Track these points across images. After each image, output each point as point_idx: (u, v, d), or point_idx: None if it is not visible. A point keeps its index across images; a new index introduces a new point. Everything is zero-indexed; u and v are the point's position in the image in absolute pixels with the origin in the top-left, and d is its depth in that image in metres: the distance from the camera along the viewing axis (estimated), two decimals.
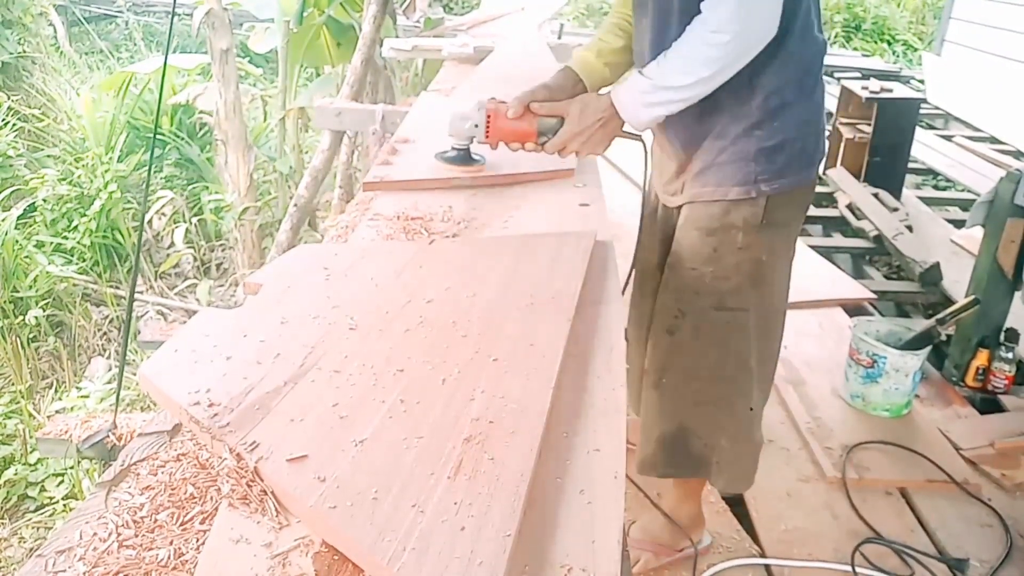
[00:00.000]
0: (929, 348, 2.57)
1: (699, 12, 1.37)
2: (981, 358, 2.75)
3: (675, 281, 1.65)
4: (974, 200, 2.92)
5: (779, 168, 1.51)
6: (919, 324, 2.70)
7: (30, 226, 5.47)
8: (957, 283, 3.27)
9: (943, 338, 2.76)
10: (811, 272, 3.49)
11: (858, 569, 1.97)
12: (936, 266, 3.40)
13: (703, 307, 1.61)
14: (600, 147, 1.56)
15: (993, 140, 5.84)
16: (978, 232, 2.86)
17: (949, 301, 3.18)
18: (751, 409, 1.71)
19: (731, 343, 1.63)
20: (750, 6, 1.34)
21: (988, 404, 2.72)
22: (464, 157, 1.78)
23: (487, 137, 1.58)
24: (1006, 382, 2.74)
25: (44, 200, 5.53)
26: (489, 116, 1.55)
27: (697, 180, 1.56)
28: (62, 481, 3.62)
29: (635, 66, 1.62)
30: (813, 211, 4.41)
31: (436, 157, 1.82)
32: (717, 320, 1.61)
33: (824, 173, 4.68)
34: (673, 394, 1.71)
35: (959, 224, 4.06)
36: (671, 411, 1.72)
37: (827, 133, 1.66)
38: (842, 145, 4.57)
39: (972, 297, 2.69)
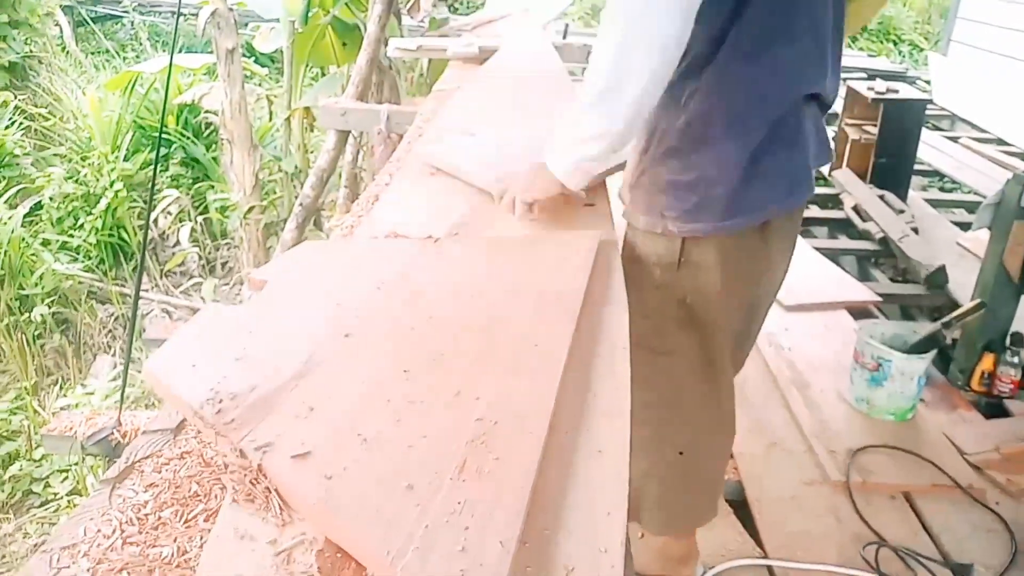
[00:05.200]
0: (934, 352, 2.56)
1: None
2: (987, 362, 2.74)
3: None
4: (980, 202, 2.91)
5: (689, 209, 1.31)
6: (924, 327, 2.69)
7: (36, 224, 5.49)
8: (963, 286, 3.26)
9: (948, 342, 2.75)
10: (816, 274, 3.48)
11: (862, 573, 1.96)
12: (942, 269, 3.39)
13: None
14: (538, 195, 1.47)
15: (1000, 142, 5.83)
16: (984, 235, 2.85)
17: (955, 304, 3.17)
18: (681, 453, 1.56)
19: (657, 386, 1.48)
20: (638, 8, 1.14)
21: (993, 408, 2.71)
22: None
23: None
24: (1012, 386, 2.73)
25: (50, 198, 5.55)
26: None
27: (626, 195, 1.43)
28: (66, 477, 3.63)
29: None
30: (818, 213, 4.40)
31: None
32: (637, 358, 1.41)
33: (830, 174, 4.67)
34: None
35: (965, 226, 4.05)
36: None
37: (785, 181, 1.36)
38: (848, 146, 4.57)
39: (978, 300, 2.68)
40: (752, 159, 1.28)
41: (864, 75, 7.17)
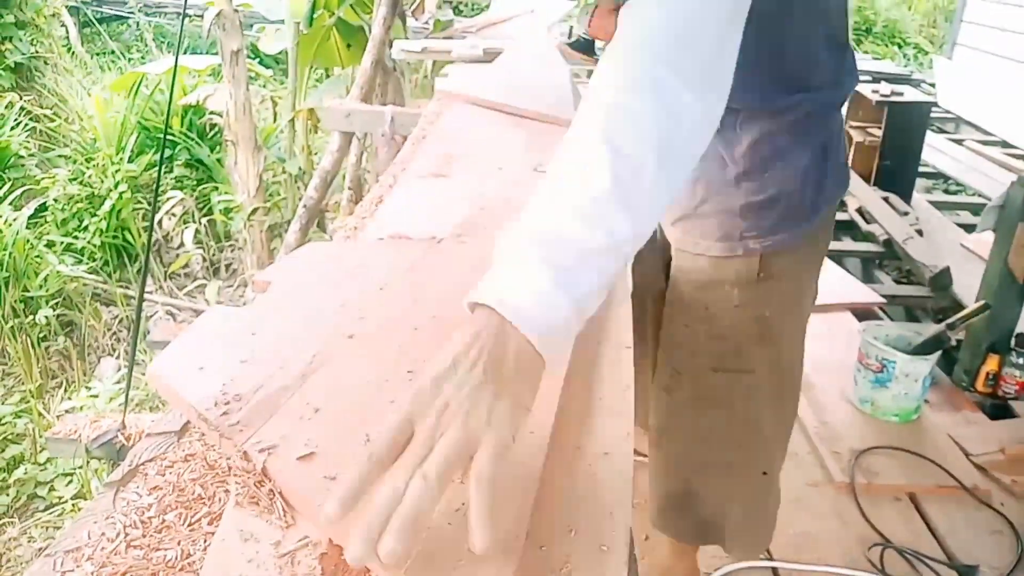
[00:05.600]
0: (939, 353, 2.55)
1: None
2: (991, 363, 2.74)
3: (668, 337, 1.44)
4: (985, 204, 2.90)
5: (771, 225, 1.26)
6: (929, 329, 2.69)
7: (41, 226, 5.50)
8: (967, 288, 3.25)
9: (953, 343, 2.74)
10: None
11: (867, 574, 1.96)
12: (946, 271, 3.38)
13: (700, 368, 1.41)
14: None
15: (1004, 144, 5.81)
16: (989, 237, 2.84)
17: (959, 306, 3.16)
18: (764, 474, 1.53)
19: (736, 407, 1.43)
20: None
21: (998, 410, 2.71)
22: (587, 46, 1.54)
23: (589, 28, 1.36)
24: (1017, 387, 2.72)
25: (55, 200, 5.56)
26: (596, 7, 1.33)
27: (679, 225, 1.35)
28: (71, 480, 3.64)
29: None
30: None
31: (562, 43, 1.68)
32: (717, 382, 1.41)
33: None
34: (675, 457, 1.53)
35: (970, 228, 4.04)
36: (675, 472, 1.54)
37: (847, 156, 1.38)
38: (852, 149, 4.56)
39: (983, 302, 2.68)
40: (823, 158, 1.26)
41: (869, 78, 7.16)
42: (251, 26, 7.67)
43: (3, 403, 4.16)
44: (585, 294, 0.74)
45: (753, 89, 1.12)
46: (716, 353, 1.38)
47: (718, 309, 1.35)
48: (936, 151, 5.40)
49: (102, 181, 5.65)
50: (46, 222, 5.55)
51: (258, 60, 7.97)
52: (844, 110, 1.48)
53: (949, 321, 2.60)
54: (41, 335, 4.71)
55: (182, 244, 5.70)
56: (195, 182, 6.27)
